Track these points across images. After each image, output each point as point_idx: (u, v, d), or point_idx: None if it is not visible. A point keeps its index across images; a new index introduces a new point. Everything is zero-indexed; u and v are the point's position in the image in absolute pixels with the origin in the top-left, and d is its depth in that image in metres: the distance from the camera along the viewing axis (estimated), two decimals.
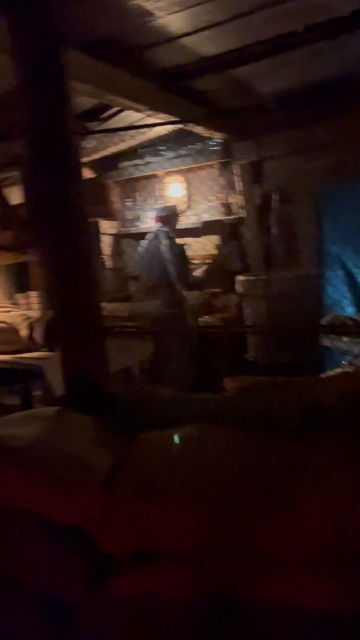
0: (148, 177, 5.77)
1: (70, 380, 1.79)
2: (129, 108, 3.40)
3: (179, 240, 4.86)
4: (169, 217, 4.85)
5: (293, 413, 1.54)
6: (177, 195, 5.54)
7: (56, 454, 1.44)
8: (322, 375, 2.81)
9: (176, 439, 1.41)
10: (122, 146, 4.97)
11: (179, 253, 4.73)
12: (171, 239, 4.71)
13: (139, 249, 5.03)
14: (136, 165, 5.64)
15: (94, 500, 1.35)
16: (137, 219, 5.84)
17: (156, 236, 4.76)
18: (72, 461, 1.43)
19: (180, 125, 4.14)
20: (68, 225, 1.62)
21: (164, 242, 4.70)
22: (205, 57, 3.24)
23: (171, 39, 2.94)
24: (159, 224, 4.81)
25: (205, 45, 3.08)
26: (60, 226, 1.61)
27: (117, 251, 5.87)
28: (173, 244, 4.69)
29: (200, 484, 1.33)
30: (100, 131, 2.63)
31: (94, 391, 1.75)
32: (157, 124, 2.65)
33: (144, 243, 4.95)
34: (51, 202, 1.57)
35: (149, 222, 5.54)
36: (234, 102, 3.95)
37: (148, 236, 4.88)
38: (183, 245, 4.92)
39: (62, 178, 1.56)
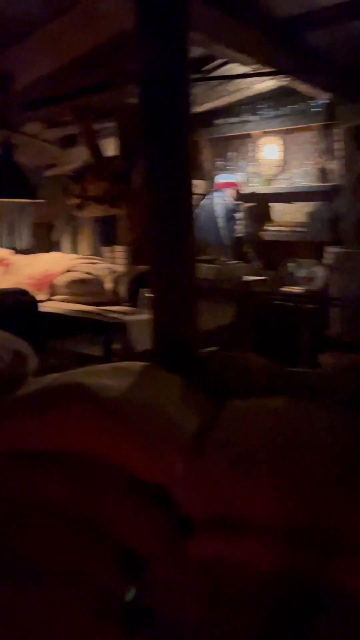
0: (243, 137, 5.57)
1: (160, 337, 1.77)
2: (236, 60, 3.24)
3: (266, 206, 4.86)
4: (226, 184, 4.91)
5: None
6: (272, 158, 5.33)
7: (145, 410, 1.43)
8: None
9: (270, 409, 1.35)
10: (220, 102, 4.80)
11: (230, 211, 4.78)
12: (226, 202, 4.77)
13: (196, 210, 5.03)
14: (231, 123, 5.45)
15: (180, 461, 1.34)
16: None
17: (210, 198, 4.77)
18: (161, 419, 1.41)
19: (284, 83, 3.92)
20: (174, 178, 1.56)
21: (218, 202, 4.72)
22: (324, 7, 3.01)
23: None
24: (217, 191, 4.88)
25: None
26: (167, 179, 1.55)
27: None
28: (227, 205, 4.76)
29: (290, 458, 1.28)
30: (211, 78, 2.52)
31: (183, 351, 1.72)
32: (264, 73, 2.50)
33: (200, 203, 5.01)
34: (160, 153, 1.52)
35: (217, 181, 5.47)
36: (347, 60, 3.67)
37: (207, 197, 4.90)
38: (238, 203, 4.97)
39: (174, 129, 1.50)
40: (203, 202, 4.86)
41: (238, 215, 4.93)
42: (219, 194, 4.88)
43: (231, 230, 4.85)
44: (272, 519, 1.26)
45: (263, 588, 1.32)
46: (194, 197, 5.10)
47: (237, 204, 4.98)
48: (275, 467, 1.26)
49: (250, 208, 5.00)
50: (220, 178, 5.09)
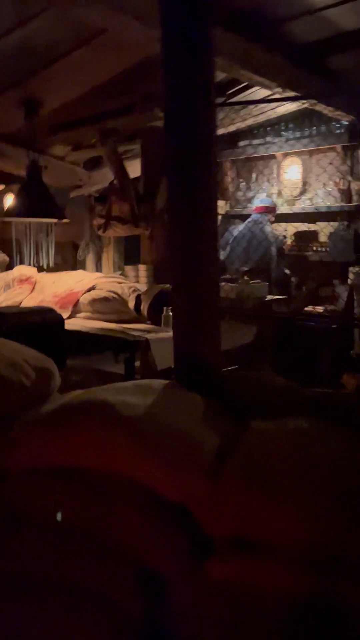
0: (265, 158, 5.63)
1: (182, 356, 1.78)
2: (259, 84, 3.30)
3: (291, 225, 4.90)
4: (270, 209, 4.91)
5: None
6: (294, 179, 5.36)
7: (167, 428, 1.44)
8: None
9: (292, 431, 1.35)
10: (243, 124, 4.87)
11: (280, 241, 4.80)
12: (273, 229, 4.83)
13: (235, 231, 5.03)
14: (254, 145, 5.52)
15: (201, 481, 1.34)
16: (249, 200, 5.73)
17: (259, 221, 4.76)
18: (183, 438, 1.42)
19: (306, 105, 3.97)
20: (198, 199, 1.59)
21: (269, 227, 4.72)
22: (346, 32, 3.06)
23: (312, 11, 2.80)
24: (260, 213, 4.89)
25: (348, 19, 2.90)
26: (191, 200, 1.58)
27: (224, 232, 5.84)
28: (276, 234, 4.81)
29: (312, 481, 1.27)
30: (236, 103, 2.57)
31: (205, 370, 1.73)
32: (289, 99, 2.54)
33: (239, 226, 5.01)
34: (184, 174, 1.55)
35: (252, 205, 5.50)
36: None
37: (251, 219, 4.90)
38: (284, 236, 5.01)
39: (199, 150, 1.53)
40: (251, 227, 4.78)
41: (285, 241, 4.95)
42: (266, 220, 4.80)
43: (281, 259, 4.82)
44: (293, 541, 1.25)
45: (284, 612, 1.30)
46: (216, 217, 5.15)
47: (284, 237, 4.99)
48: (296, 490, 1.25)
49: (298, 232, 5.03)
50: (261, 202, 5.02)
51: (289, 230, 5.19)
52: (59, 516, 1.52)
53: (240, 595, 1.33)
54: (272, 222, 4.95)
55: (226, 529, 1.31)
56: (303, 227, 5.09)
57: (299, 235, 5.11)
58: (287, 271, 4.90)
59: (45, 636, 1.51)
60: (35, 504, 1.55)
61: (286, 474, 1.28)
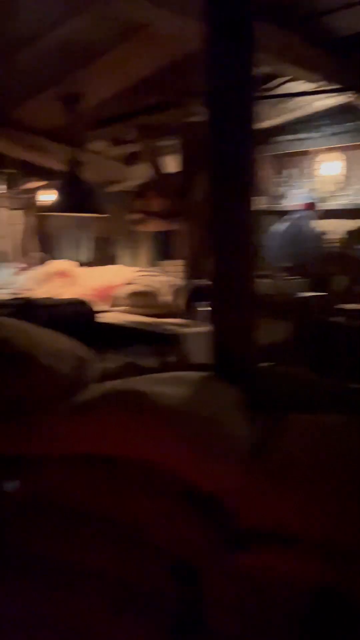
0: (301, 154, 5.55)
1: (220, 349, 1.80)
2: (301, 77, 3.26)
3: (331, 222, 4.83)
4: (314, 205, 4.84)
5: None
6: (331, 174, 5.27)
7: (203, 420, 1.45)
8: None
9: (326, 426, 1.35)
10: (280, 120, 4.82)
11: (324, 239, 4.71)
12: (317, 225, 4.74)
13: (279, 227, 4.95)
14: (290, 140, 5.45)
15: (234, 473, 1.35)
16: (282, 196, 5.66)
17: (304, 217, 4.69)
18: (218, 430, 1.43)
19: (346, 100, 3.90)
20: (237, 194, 1.60)
21: (313, 224, 4.65)
22: None
23: (354, 3, 2.75)
24: (303, 210, 4.82)
25: None
26: (230, 194, 1.59)
27: (258, 228, 5.77)
28: (318, 229, 4.72)
29: (346, 477, 1.27)
30: (275, 96, 2.55)
31: (242, 364, 1.74)
32: (331, 91, 2.51)
33: (284, 222, 4.93)
34: (226, 168, 1.56)
35: (294, 201, 5.41)
36: None
37: (296, 215, 4.83)
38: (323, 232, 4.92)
39: (239, 145, 1.54)
40: (295, 222, 4.72)
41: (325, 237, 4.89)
42: (311, 216, 4.74)
43: (323, 256, 4.75)
44: (323, 535, 1.25)
45: (310, 603, 1.31)
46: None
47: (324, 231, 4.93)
48: (329, 486, 1.25)
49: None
50: (306, 198, 4.95)
51: (334, 227, 5.09)
52: (93, 504, 1.55)
53: (265, 583, 1.34)
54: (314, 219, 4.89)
55: (257, 521, 1.32)
56: (353, 224, 4.99)
57: (351, 233, 5.01)
58: (329, 268, 4.83)
59: (76, 622, 1.55)
60: (72, 492, 1.58)
61: (320, 469, 1.28)
